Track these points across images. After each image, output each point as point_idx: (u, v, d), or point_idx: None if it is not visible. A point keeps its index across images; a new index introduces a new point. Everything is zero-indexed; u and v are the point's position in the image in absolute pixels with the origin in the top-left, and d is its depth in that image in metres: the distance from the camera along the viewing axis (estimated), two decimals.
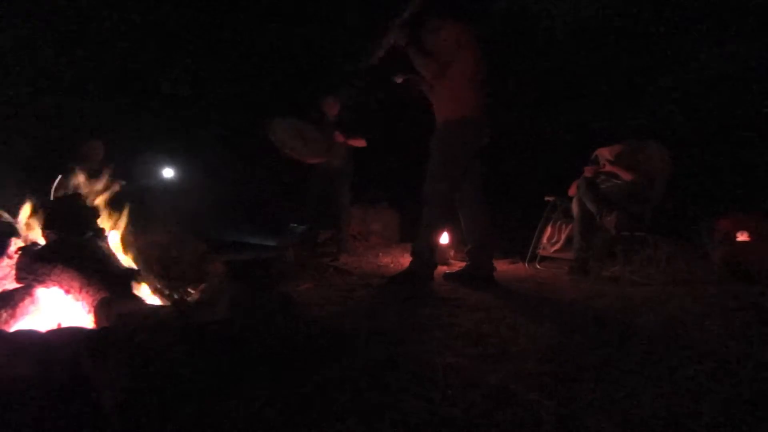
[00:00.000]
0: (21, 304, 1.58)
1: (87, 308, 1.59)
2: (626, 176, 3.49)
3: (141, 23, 6.05)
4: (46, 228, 1.83)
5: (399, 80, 3.04)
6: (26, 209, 1.90)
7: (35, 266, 1.65)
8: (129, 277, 1.72)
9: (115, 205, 2.07)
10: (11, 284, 1.71)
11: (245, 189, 7.68)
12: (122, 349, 1.11)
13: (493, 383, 1.23)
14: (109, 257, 1.80)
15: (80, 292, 1.61)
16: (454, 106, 2.77)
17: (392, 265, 3.95)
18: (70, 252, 1.69)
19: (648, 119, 5.26)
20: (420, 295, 2.47)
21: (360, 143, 4.42)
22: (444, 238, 3.98)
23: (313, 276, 3.08)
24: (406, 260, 4.14)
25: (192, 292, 1.96)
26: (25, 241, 1.85)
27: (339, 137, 4.29)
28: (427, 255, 2.85)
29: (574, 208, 3.57)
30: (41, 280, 1.64)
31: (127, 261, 1.91)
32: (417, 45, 2.78)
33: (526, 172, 6.31)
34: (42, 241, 1.83)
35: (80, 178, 2.07)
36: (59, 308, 1.64)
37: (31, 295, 1.62)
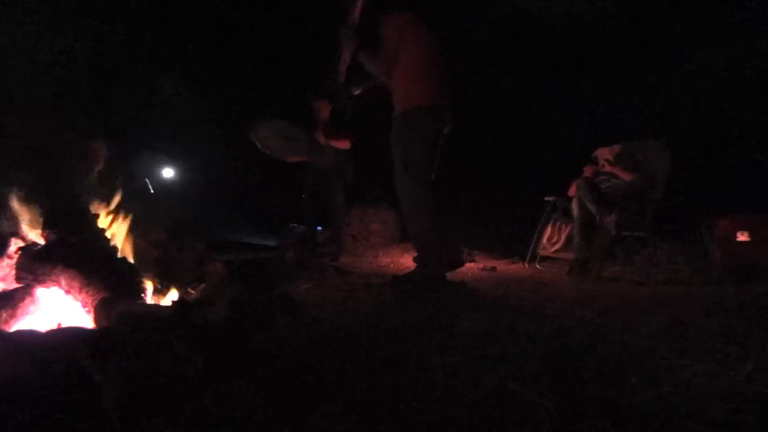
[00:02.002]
0: (21, 304, 1.59)
1: (87, 308, 1.59)
2: (626, 176, 3.49)
3: (142, 22, 6.05)
4: (46, 228, 1.83)
5: (356, 92, 3.05)
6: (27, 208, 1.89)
7: (35, 266, 1.66)
8: (130, 276, 1.73)
9: (117, 206, 2.07)
10: (11, 284, 1.71)
11: (245, 189, 7.69)
12: (122, 349, 1.11)
13: (493, 383, 1.23)
14: (109, 257, 1.80)
15: (80, 292, 1.61)
16: (406, 97, 2.70)
17: (392, 265, 3.95)
18: (70, 252, 1.69)
19: (648, 119, 5.26)
20: (420, 295, 2.47)
21: (343, 144, 4.35)
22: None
23: (313, 276, 3.08)
24: (406, 260, 4.15)
25: (192, 292, 1.97)
26: (25, 241, 1.85)
27: (320, 138, 4.29)
28: (433, 264, 2.73)
29: (574, 208, 3.57)
30: (41, 280, 1.64)
31: (127, 261, 1.91)
32: (367, 47, 2.73)
33: (526, 172, 6.31)
34: (42, 241, 1.83)
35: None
36: (59, 308, 1.64)
37: (31, 295, 1.63)
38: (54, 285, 1.65)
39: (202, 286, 2.04)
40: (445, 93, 2.74)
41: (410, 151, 2.67)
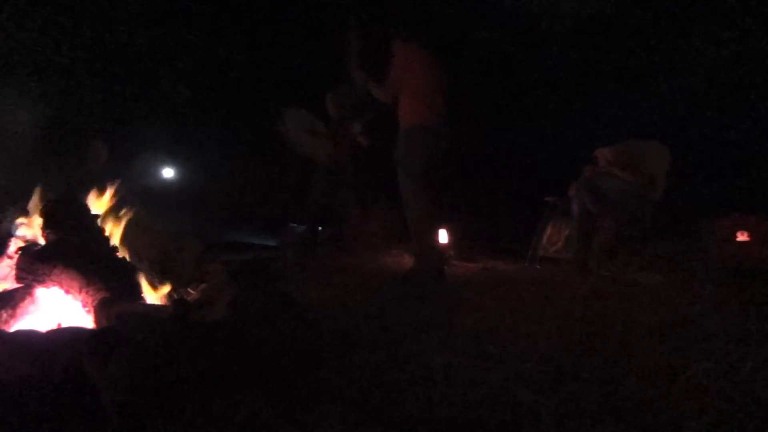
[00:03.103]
0: (21, 304, 1.58)
1: (87, 308, 1.59)
2: (626, 176, 3.49)
3: (143, 23, 6.05)
4: (46, 228, 1.83)
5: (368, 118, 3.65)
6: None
7: (35, 266, 1.65)
8: (130, 276, 1.72)
9: (117, 206, 2.08)
10: (11, 284, 1.71)
11: (245, 189, 7.68)
12: (122, 349, 1.11)
13: (493, 383, 1.23)
14: (109, 257, 1.80)
15: (80, 292, 1.61)
16: (410, 116, 3.02)
17: (392, 265, 3.95)
18: (70, 252, 1.68)
19: (648, 119, 5.26)
20: (420, 295, 2.47)
21: (363, 143, 4.35)
22: (443, 238, 3.98)
23: (313, 276, 3.08)
24: (406, 260, 4.15)
25: (192, 292, 1.96)
26: (24, 241, 1.85)
27: (341, 147, 4.23)
28: (430, 255, 2.94)
29: (574, 208, 3.57)
30: (41, 280, 1.64)
31: (127, 260, 1.91)
32: (375, 77, 3.12)
33: (526, 172, 6.31)
34: (42, 241, 1.83)
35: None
36: (59, 308, 1.64)
37: (31, 295, 1.62)
38: (54, 285, 1.64)
39: (202, 286, 2.04)
40: (445, 111, 3.06)
41: (414, 162, 2.96)
